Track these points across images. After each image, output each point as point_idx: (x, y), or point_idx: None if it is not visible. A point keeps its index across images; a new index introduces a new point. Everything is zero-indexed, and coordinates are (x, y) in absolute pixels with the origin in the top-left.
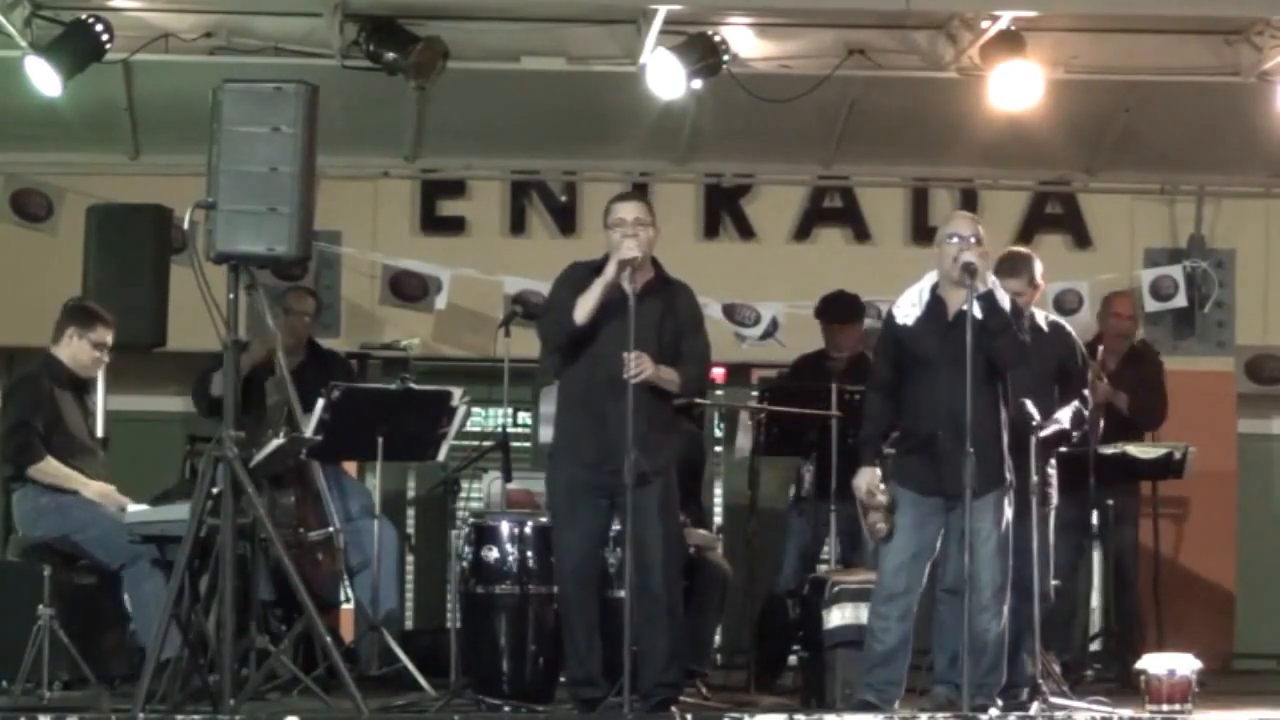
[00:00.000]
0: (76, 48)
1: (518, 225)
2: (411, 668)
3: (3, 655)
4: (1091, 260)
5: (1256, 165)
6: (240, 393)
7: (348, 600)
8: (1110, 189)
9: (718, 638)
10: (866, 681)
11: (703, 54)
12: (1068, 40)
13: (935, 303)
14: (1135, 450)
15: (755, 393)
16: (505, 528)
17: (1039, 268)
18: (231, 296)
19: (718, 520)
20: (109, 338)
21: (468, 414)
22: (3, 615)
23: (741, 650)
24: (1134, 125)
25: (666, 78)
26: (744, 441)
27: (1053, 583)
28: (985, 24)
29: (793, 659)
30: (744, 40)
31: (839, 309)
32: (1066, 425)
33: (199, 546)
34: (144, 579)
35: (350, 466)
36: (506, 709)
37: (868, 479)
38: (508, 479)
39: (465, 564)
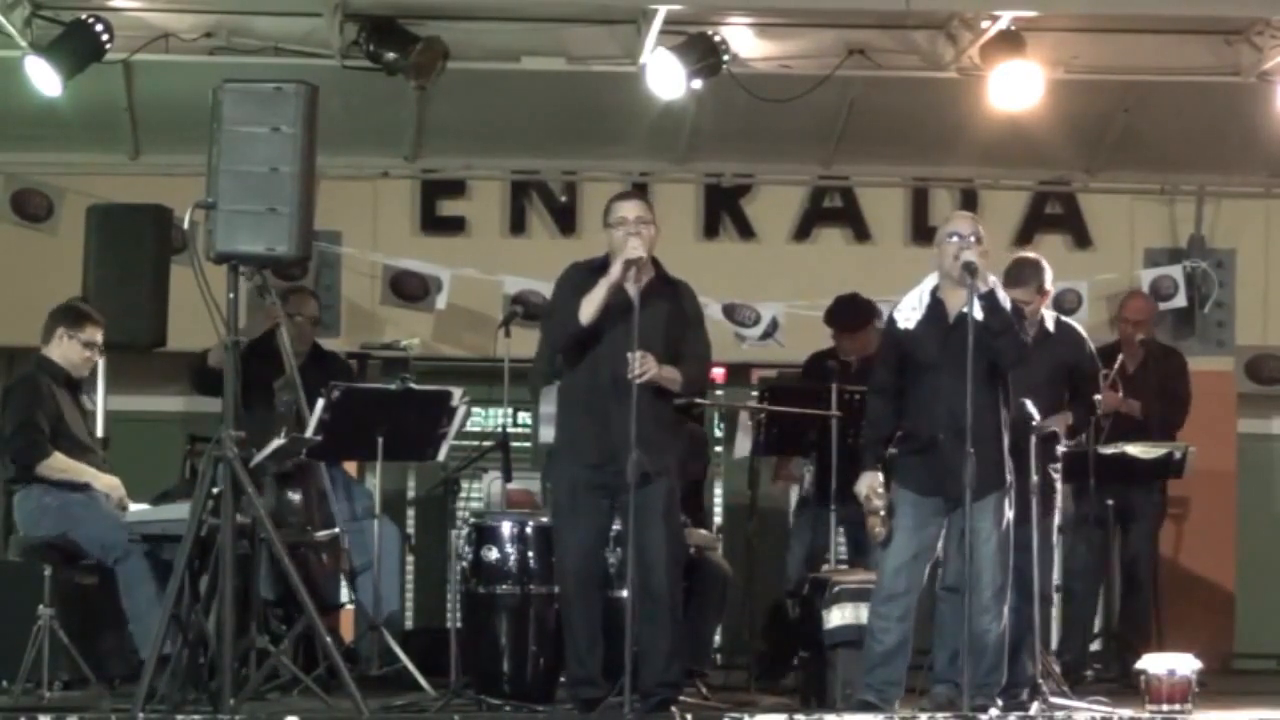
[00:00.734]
0: (76, 48)
1: (518, 225)
2: (411, 668)
3: (3, 655)
4: (1091, 260)
5: (1256, 165)
6: (240, 389)
7: (350, 601)
8: (1110, 189)
9: (718, 638)
10: (866, 681)
11: (703, 54)
12: (1068, 40)
13: (936, 305)
14: (1135, 450)
15: (755, 393)
16: (505, 528)
17: (1048, 275)
18: (231, 296)
19: (718, 520)
20: (99, 337)
21: (468, 414)
22: (3, 615)
23: (741, 650)
24: (1134, 125)
25: (666, 78)
26: (744, 441)
27: (1054, 583)
28: (985, 24)
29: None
30: (744, 40)
31: (847, 317)
32: (1057, 429)
33: (199, 546)
34: (138, 582)
35: (350, 466)
36: (507, 709)
37: (869, 483)
38: (508, 479)
39: (465, 564)
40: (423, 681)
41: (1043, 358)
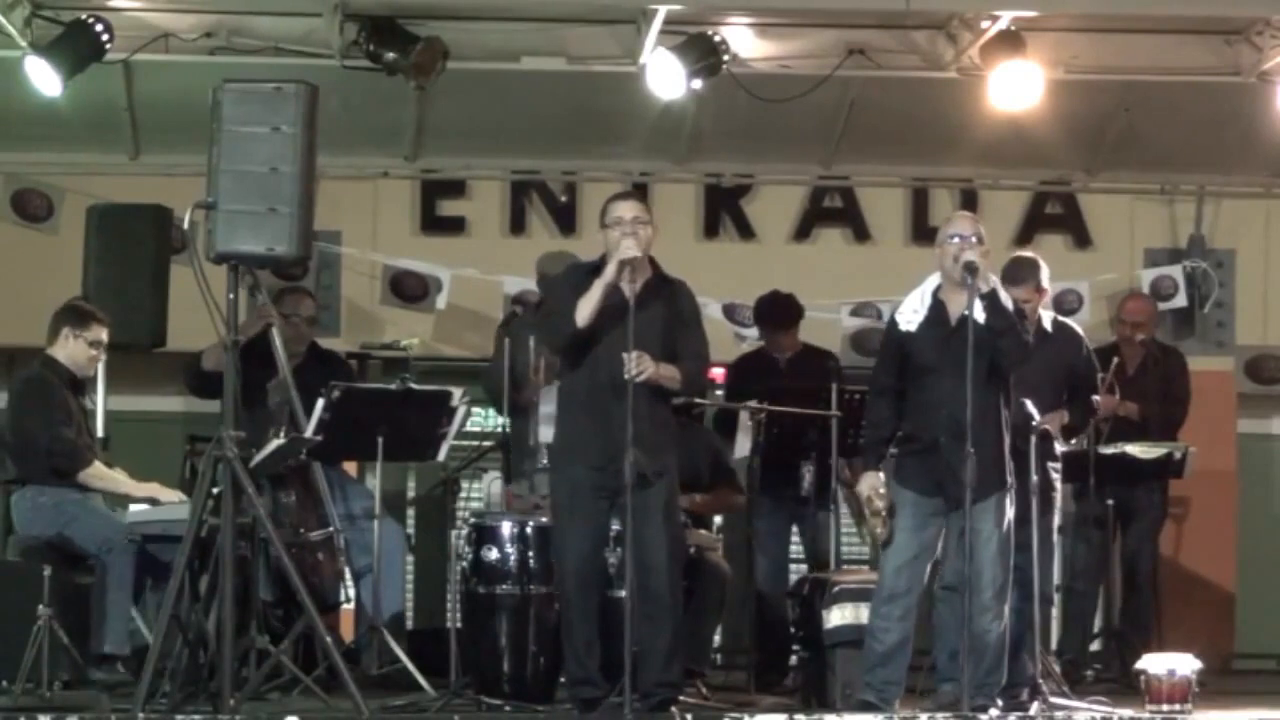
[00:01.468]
0: (76, 48)
1: (518, 225)
2: (411, 668)
3: (3, 655)
4: (1091, 260)
5: (1256, 165)
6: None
7: (348, 600)
8: (1110, 189)
9: (718, 638)
10: (866, 681)
11: (703, 54)
12: (1068, 40)
13: (937, 306)
14: (1135, 450)
15: (724, 394)
16: (505, 528)
17: (1045, 273)
18: (231, 296)
19: (718, 520)
20: (104, 336)
21: (468, 414)
22: (3, 615)
23: (741, 650)
24: (1134, 125)
25: (666, 78)
26: (744, 441)
27: (1054, 583)
28: (985, 24)
29: (793, 659)
30: (744, 40)
31: (779, 313)
32: (1050, 427)
33: (199, 546)
34: (117, 583)
35: (350, 466)
36: (507, 709)
37: (870, 483)
38: (508, 479)
39: (465, 564)
40: (422, 681)
41: (1040, 358)
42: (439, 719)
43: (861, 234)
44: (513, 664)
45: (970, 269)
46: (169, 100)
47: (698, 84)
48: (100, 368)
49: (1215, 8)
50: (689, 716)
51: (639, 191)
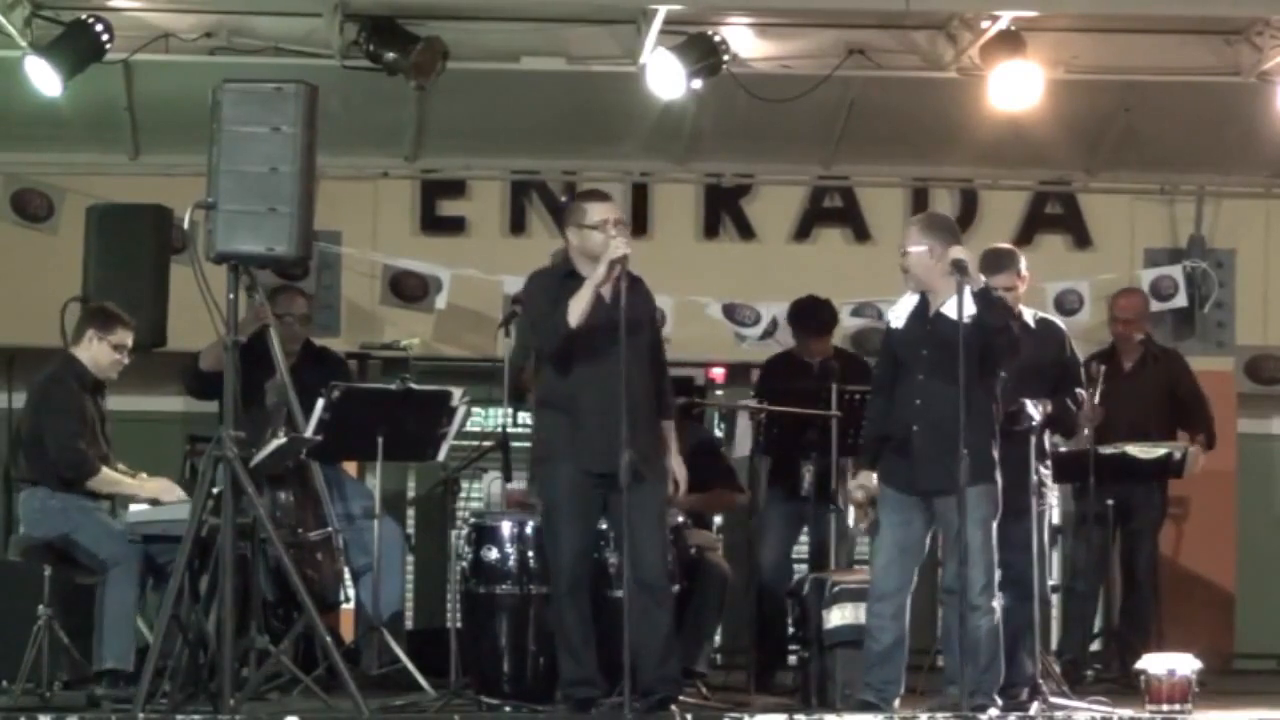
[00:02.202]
0: (76, 48)
1: (518, 225)
2: (411, 668)
3: (3, 655)
4: (1091, 260)
5: (1256, 165)
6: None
7: (348, 600)
8: (1110, 189)
9: (718, 638)
10: (865, 680)
11: (703, 54)
12: (1068, 40)
13: (923, 304)
14: (1135, 450)
15: (754, 392)
16: (505, 528)
17: (1023, 261)
18: (231, 296)
19: (718, 520)
20: (129, 340)
21: (468, 414)
22: (3, 615)
23: (741, 650)
24: (1134, 125)
25: (666, 78)
26: (744, 440)
27: (1050, 583)
28: (985, 24)
29: (792, 659)
30: (744, 40)
31: (814, 319)
32: (1034, 413)
33: (199, 546)
34: (117, 597)
35: (350, 466)
36: (507, 709)
37: (857, 480)
38: (508, 479)
39: (465, 564)
40: (422, 682)
41: (1023, 354)
42: (439, 719)
43: (861, 234)
44: (513, 664)
45: (960, 267)
46: (169, 100)
47: (698, 84)
48: None
49: (1215, 8)
50: (689, 716)
51: (620, 192)
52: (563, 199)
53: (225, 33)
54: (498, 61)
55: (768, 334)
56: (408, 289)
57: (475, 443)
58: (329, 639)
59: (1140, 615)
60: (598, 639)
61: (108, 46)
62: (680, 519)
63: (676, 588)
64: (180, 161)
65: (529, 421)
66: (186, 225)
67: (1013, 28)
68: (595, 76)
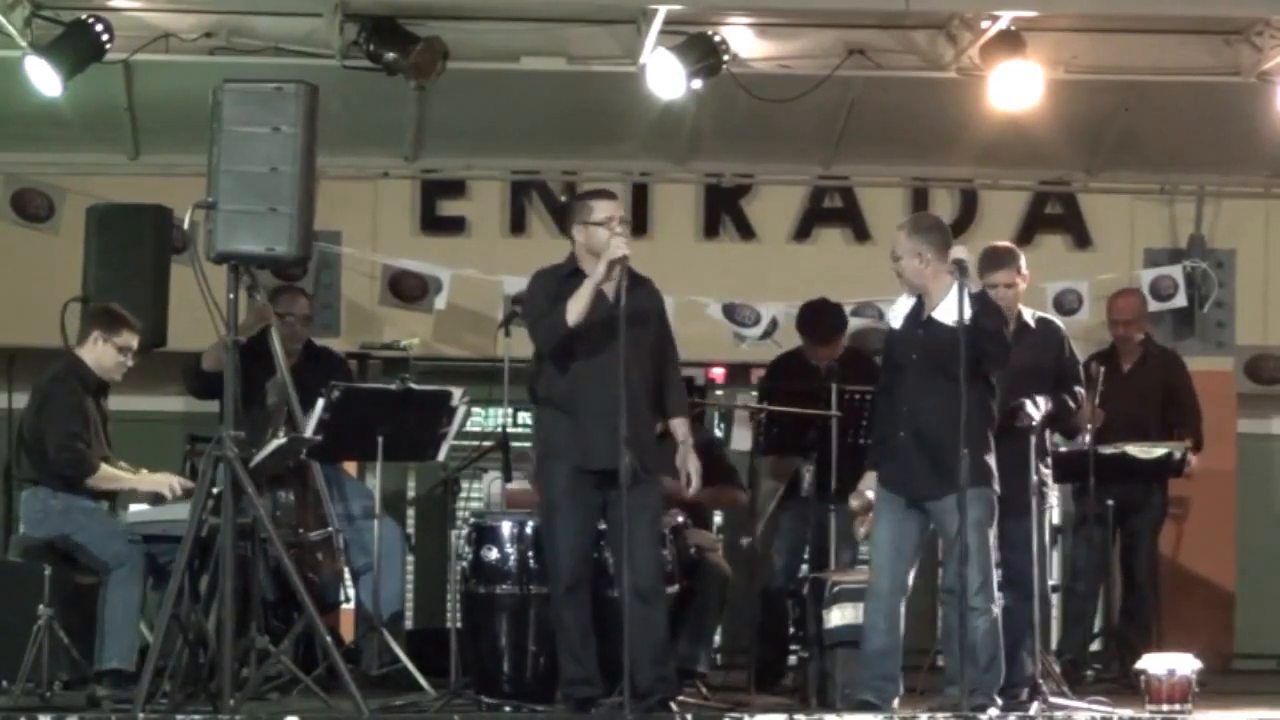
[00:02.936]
0: (76, 48)
1: (518, 225)
2: (411, 668)
3: (3, 655)
4: (1091, 260)
5: (1256, 165)
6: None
7: (348, 600)
8: (1110, 189)
9: (718, 638)
10: (862, 679)
11: (703, 54)
12: (1068, 40)
13: (919, 305)
14: (1135, 450)
15: (754, 392)
16: (505, 528)
17: (1023, 259)
18: (231, 296)
19: (718, 520)
20: (134, 342)
21: (468, 414)
22: (3, 615)
23: (741, 650)
24: (1134, 125)
25: (666, 78)
26: (743, 439)
27: (1050, 582)
28: (985, 24)
29: (792, 659)
30: (744, 40)
31: (820, 326)
32: (1032, 410)
33: (199, 546)
34: (120, 599)
35: (350, 466)
36: (507, 709)
37: (859, 487)
38: (508, 479)
39: (465, 564)
40: (422, 681)
41: (1021, 353)
42: (439, 719)
43: (861, 234)
44: (512, 664)
45: (960, 267)
46: (169, 100)
47: (698, 84)
48: None
49: (1215, 8)
50: (689, 716)
51: (621, 191)
52: (563, 199)
53: (225, 33)
54: (498, 61)
55: (768, 334)
56: (408, 289)
57: (475, 443)
58: (329, 639)
59: (1140, 615)
60: (596, 639)
61: (108, 46)
62: (680, 519)
63: (675, 588)
64: (180, 161)
65: (529, 421)
66: (186, 225)
67: (1013, 28)
68: (595, 76)
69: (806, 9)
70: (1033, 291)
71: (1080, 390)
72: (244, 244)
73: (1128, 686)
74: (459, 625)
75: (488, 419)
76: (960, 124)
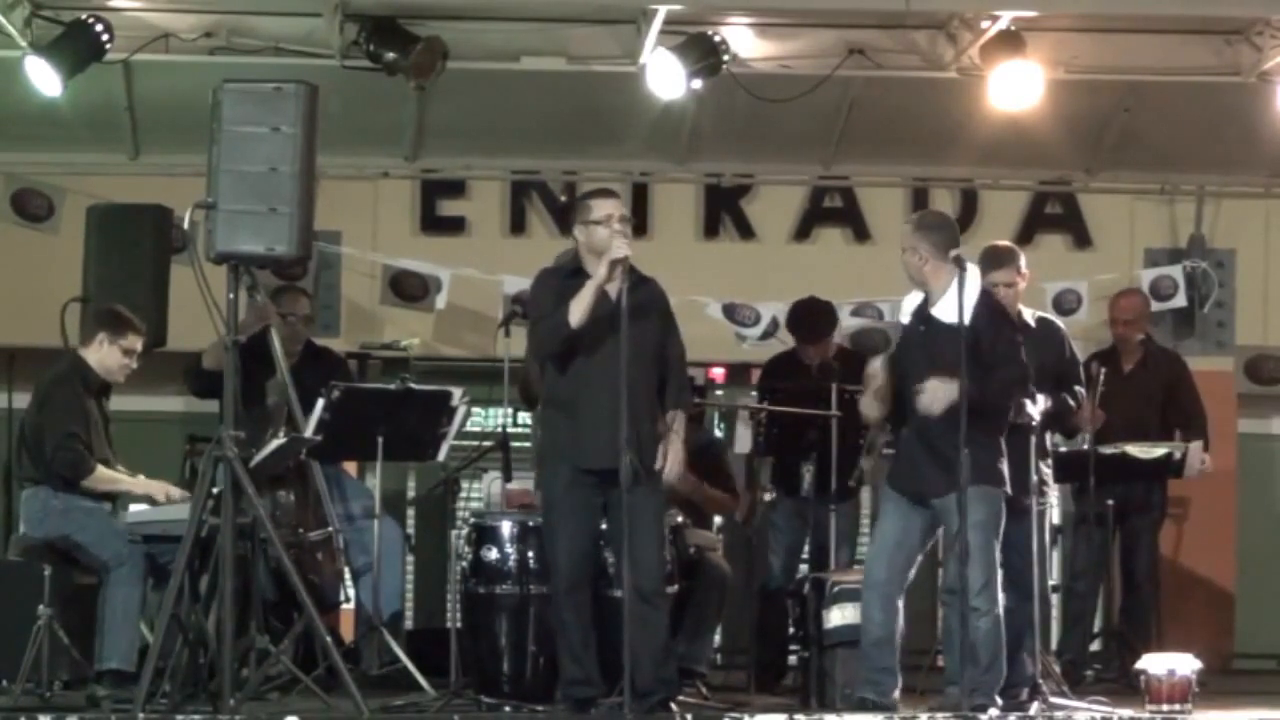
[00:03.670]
0: (76, 48)
1: (518, 225)
2: (411, 668)
3: (3, 655)
4: (1091, 260)
5: (1256, 165)
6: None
7: (348, 600)
8: (1110, 189)
9: (718, 638)
10: (861, 673)
11: (703, 54)
12: (1068, 40)
13: (925, 303)
14: (1135, 450)
15: (754, 393)
16: (505, 528)
17: (1023, 259)
18: (231, 296)
19: (718, 520)
20: (139, 345)
21: (468, 414)
22: (3, 615)
23: (741, 650)
24: (1134, 125)
25: (666, 78)
26: (744, 436)
27: (1050, 582)
28: (985, 24)
29: (792, 659)
30: (744, 40)
31: (809, 326)
32: (1032, 410)
33: (199, 546)
34: (121, 598)
35: (350, 467)
36: (507, 709)
37: (872, 363)
38: (508, 479)
39: (465, 564)
40: (422, 681)
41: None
42: (439, 719)
43: (861, 234)
44: (512, 664)
45: (959, 264)
46: (169, 100)
47: (698, 84)
48: None
49: (1215, 8)
50: (689, 716)
51: (621, 191)
52: (563, 199)
53: (225, 33)
54: (498, 61)
55: (768, 334)
56: (408, 289)
57: (475, 443)
58: (329, 639)
59: (1140, 615)
60: (597, 639)
61: (108, 46)
62: (680, 519)
63: (675, 588)
64: (180, 161)
65: (529, 421)
66: (186, 225)
67: (1013, 28)
68: (595, 76)
69: (806, 9)
70: (1033, 291)
71: (1081, 390)
72: (244, 244)
73: (1128, 686)
74: (459, 625)
75: (488, 419)
76: (960, 124)
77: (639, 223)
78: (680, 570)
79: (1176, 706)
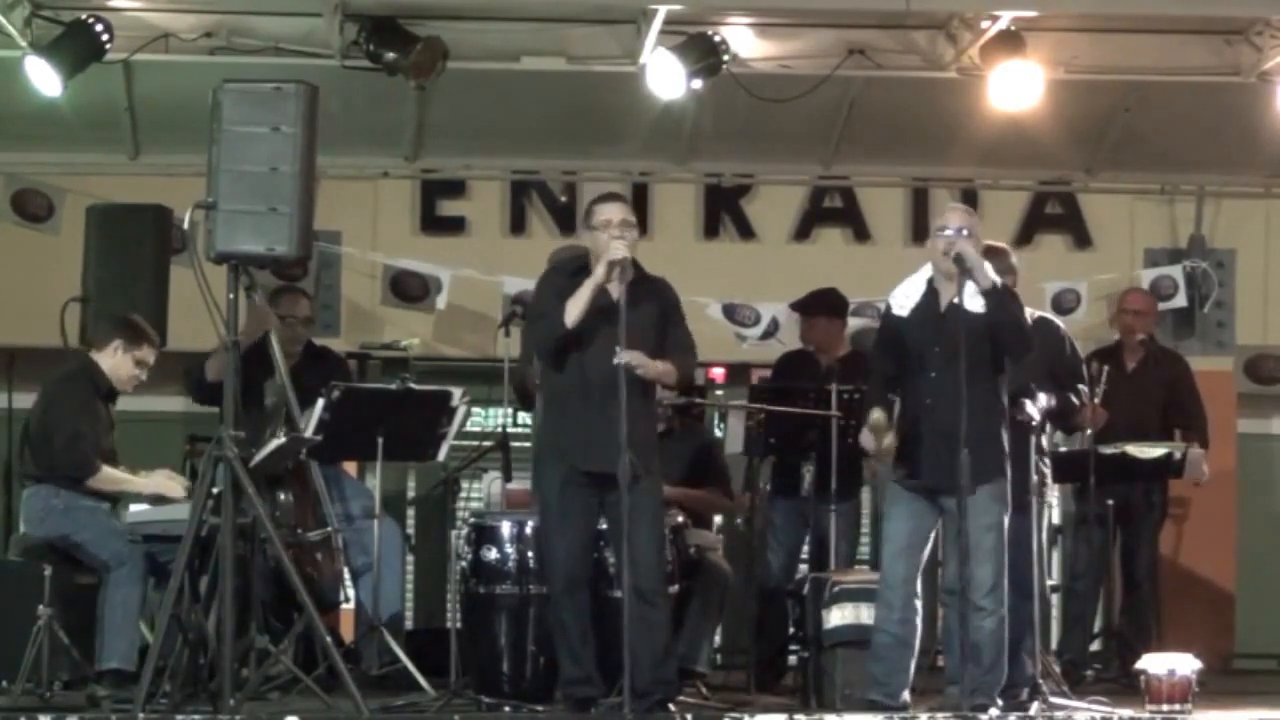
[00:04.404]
0: (76, 48)
1: (518, 225)
2: (411, 668)
3: (3, 655)
4: (1091, 260)
5: (1256, 165)
6: (239, 389)
7: (348, 600)
8: (1110, 189)
9: (718, 638)
10: (870, 672)
11: (703, 54)
12: (1068, 40)
13: (930, 294)
14: (1135, 450)
15: (765, 391)
16: (505, 528)
17: (1015, 257)
18: (231, 296)
19: (718, 520)
20: (152, 359)
21: (468, 414)
22: (3, 615)
23: (741, 650)
24: (1134, 125)
25: (666, 78)
26: (735, 436)
27: (1050, 582)
28: (985, 24)
29: (792, 659)
30: (744, 40)
31: (823, 303)
32: (1032, 409)
33: (199, 546)
34: (121, 598)
35: (350, 467)
36: (506, 709)
37: (874, 414)
38: (508, 479)
39: (465, 564)
40: (422, 682)
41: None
42: (439, 719)
43: (861, 234)
44: (512, 664)
45: (959, 261)
46: (169, 100)
47: (698, 84)
48: None
49: (1215, 8)
50: (689, 716)
51: (623, 192)
52: (563, 199)
53: (225, 33)
54: (498, 61)
55: (768, 334)
56: (408, 289)
57: (475, 443)
58: (329, 639)
59: (1140, 615)
60: (596, 639)
61: (108, 46)
62: (680, 519)
63: (675, 588)
64: (180, 161)
65: (529, 421)
66: (186, 225)
67: (1013, 28)
68: (595, 76)
69: (806, 9)
70: (1032, 291)
71: (1083, 388)
72: (244, 244)
73: (1128, 686)
74: (459, 625)
75: (488, 419)
76: (960, 124)
77: (639, 223)
78: (680, 570)
79: (1176, 706)
